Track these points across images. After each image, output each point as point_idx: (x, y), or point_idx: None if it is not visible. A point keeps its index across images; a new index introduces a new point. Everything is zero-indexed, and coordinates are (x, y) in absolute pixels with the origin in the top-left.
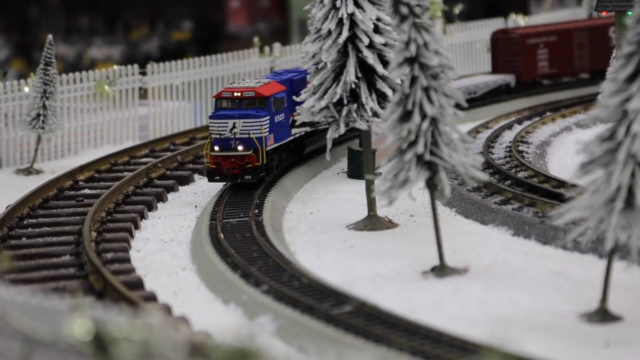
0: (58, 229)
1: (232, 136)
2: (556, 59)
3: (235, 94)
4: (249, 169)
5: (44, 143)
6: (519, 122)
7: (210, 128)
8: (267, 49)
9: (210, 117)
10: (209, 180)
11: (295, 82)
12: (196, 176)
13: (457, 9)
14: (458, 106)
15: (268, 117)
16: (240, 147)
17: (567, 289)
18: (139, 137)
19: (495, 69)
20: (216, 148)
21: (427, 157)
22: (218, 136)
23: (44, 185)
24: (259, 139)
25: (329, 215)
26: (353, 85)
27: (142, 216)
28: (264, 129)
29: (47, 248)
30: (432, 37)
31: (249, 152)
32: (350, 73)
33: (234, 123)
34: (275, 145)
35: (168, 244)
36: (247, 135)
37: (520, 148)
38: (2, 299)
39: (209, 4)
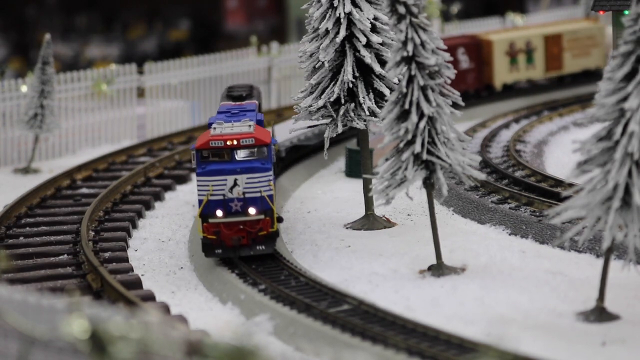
0: (56, 228)
1: (235, 196)
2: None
3: (229, 142)
4: (261, 237)
5: (41, 142)
6: (516, 120)
7: (199, 188)
8: (265, 48)
9: (199, 174)
10: (207, 256)
11: (261, 121)
12: (194, 175)
13: (455, 8)
14: (455, 105)
15: (272, 169)
16: (251, 210)
17: (564, 288)
18: (137, 136)
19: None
20: (219, 214)
21: (424, 156)
22: (214, 198)
23: (41, 185)
24: (271, 197)
25: (327, 214)
26: (350, 85)
27: (140, 215)
28: (272, 183)
29: (45, 247)
30: (429, 37)
31: (261, 216)
32: (348, 72)
33: (235, 180)
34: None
35: (166, 243)
36: (257, 194)
37: (518, 147)
38: (0, 298)
39: (206, 3)
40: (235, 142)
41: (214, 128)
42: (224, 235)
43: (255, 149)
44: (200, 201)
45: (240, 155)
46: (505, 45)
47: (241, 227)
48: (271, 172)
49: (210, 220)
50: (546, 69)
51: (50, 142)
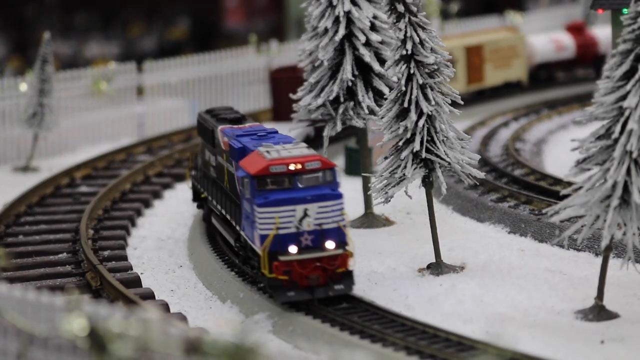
0: (55, 227)
1: (305, 229)
2: None
3: (293, 166)
4: (338, 275)
5: (40, 141)
6: (515, 119)
7: (262, 221)
8: (265, 47)
9: (261, 205)
10: (278, 300)
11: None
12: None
13: (455, 7)
14: (454, 104)
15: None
16: (329, 244)
17: (563, 287)
18: (136, 134)
19: (279, 116)
20: (292, 250)
21: (424, 154)
22: (284, 232)
23: (41, 183)
24: (345, 228)
25: None
26: (349, 83)
27: (139, 214)
28: (345, 212)
29: (44, 246)
30: (428, 35)
31: (340, 251)
32: (347, 71)
33: (306, 210)
34: None
35: (165, 241)
36: (334, 225)
37: (517, 146)
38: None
39: (206, 1)
40: (299, 166)
41: (267, 152)
42: (297, 274)
43: (321, 173)
44: (263, 236)
45: (304, 181)
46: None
47: (317, 264)
48: (343, 200)
49: (281, 258)
50: (468, 82)
51: (50, 140)
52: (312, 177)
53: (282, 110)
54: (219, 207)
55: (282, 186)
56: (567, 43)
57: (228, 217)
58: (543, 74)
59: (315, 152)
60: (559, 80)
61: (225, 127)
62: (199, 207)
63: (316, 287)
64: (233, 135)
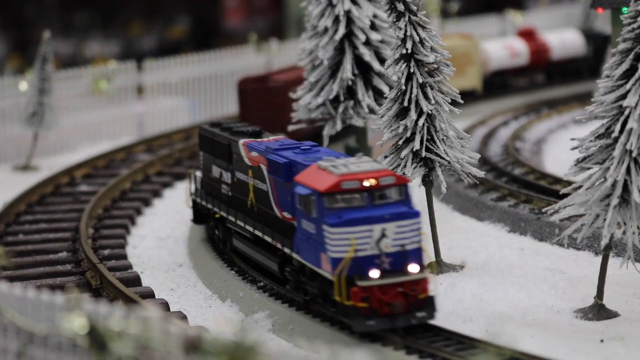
0: (55, 226)
1: (384, 251)
2: None
3: (366, 182)
4: (420, 301)
5: (40, 140)
6: (515, 118)
7: (335, 243)
8: (265, 46)
9: (334, 225)
10: (357, 329)
11: None
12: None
13: (455, 6)
14: (454, 103)
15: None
16: (413, 268)
17: (562, 286)
18: (136, 133)
19: None
20: (374, 274)
21: (423, 153)
22: (363, 254)
23: (41, 182)
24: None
25: None
26: (349, 82)
27: (139, 213)
28: (423, 232)
29: (44, 245)
30: (428, 34)
31: (422, 275)
32: (347, 70)
33: (383, 230)
34: None
35: (165, 240)
36: (415, 246)
37: (516, 145)
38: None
39: (206, 1)
40: (373, 182)
41: (333, 166)
42: (376, 301)
43: (394, 190)
44: (335, 260)
45: (378, 198)
46: None
47: (399, 289)
48: (421, 218)
49: (360, 284)
50: None
51: (50, 139)
52: (387, 193)
53: (250, 122)
54: (246, 227)
55: (353, 204)
56: (520, 49)
57: (266, 238)
58: (497, 82)
59: (387, 166)
60: (516, 88)
61: (249, 141)
62: (196, 222)
63: (398, 316)
64: (268, 150)
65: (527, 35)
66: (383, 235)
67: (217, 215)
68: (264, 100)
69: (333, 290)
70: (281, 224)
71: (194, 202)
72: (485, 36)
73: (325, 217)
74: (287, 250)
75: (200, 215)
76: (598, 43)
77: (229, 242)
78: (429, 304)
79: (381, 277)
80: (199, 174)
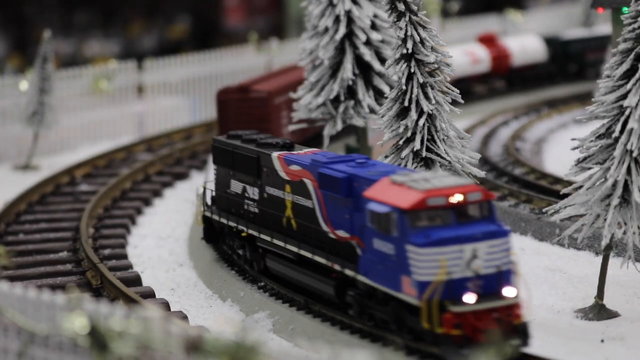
0: (55, 225)
1: (476, 273)
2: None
3: (454, 198)
4: (514, 328)
5: (41, 139)
6: (516, 118)
7: (423, 265)
8: (265, 45)
9: (422, 245)
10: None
11: None
12: (193, 172)
13: (456, 5)
14: (455, 103)
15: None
16: (509, 292)
17: (563, 286)
18: (137, 133)
19: None
20: (469, 299)
21: (424, 153)
22: (455, 277)
23: (41, 182)
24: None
25: None
26: (350, 82)
27: (140, 212)
28: (513, 252)
29: (45, 244)
30: (429, 34)
31: (516, 299)
32: (347, 70)
33: (474, 250)
34: None
35: (165, 240)
36: (509, 268)
37: (517, 144)
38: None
39: (206, 0)
40: (461, 198)
41: (414, 181)
42: (470, 328)
43: (480, 206)
44: (423, 284)
45: (465, 215)
46: None
47: (494, 315)
48: (511, 237)
49: (453, 309)
50: None
51: (50, 139)
52: (473, 210)
53: None
54: (288, 247)
55: (439, 222)
56: (482, 56)
57: (317, 259)
58: (459, 89)
59: (471, 181)
60: (478, 95)
61: (286, 154)
62: (208, 240)
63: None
64: (316, 163)
65: (488, 41)
66: (474, 256)
67: (243, 234)
68: (245, 112)
69: (410, 316)
70: (333, 243)
71: (206, 218)
72: None
73: (410, 236)
74: (349, 272)
75: (213, 232)
76: (556, 48)
77: (259, 263)
78: (523, 331)
79: (477, 302)
80: (210, 187)
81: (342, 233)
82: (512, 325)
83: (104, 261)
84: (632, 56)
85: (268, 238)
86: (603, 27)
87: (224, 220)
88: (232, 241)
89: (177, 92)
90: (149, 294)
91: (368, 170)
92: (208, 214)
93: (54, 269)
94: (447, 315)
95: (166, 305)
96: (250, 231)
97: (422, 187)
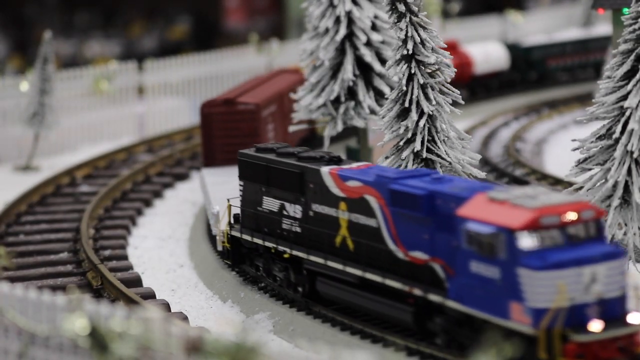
0: (56, 226)
1: (599, 299)
2: (282, 137)
3: (567, 216)
4: (637, 358)
5: (41, 140)
6: (516, 118)
7: (539, 290)
8: (267, 46)
9: (539, 269)
10: None
11: None
12: (194, 173)
13: (456, 6)
14: (455, 103)
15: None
16: (633, 318)
17: None
18: (137, 134)
19: (211, 160)
20: (594, 327)
21: (424, 154)
22: (577, 302)
23: (42, 183)
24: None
25: None
26: (350, 83)
27: (140, 213)
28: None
29: (45, 245)
30: (429, 35)
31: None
32: (348, 71)
33: (593, 273)
34: None
35: (166, 241)
36: (624, 291)
37: (517, 145)
38: (1, 295)
39: (206, 1)
40: (574, 217)
41: (519, 199)
42: (594, 359)
43: (592, 225)
44: (538, 311)
45: (576, 235)
46: None
47: (618, 344)
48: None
49: (578, 339)
50: None
51: (51, 140)
52: (586, 229)
53: (215, 153)
54: (348, 270)
55: (550, 243)
56: None
57: (389, 283)
58: None
59: (583, 197)
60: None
61: (341, 169)
62: (235, 263)
63: None
64: (384, 179)
65: (450, 48)
66: (593, 279)
67: (285, 256)
68: (231, 126)
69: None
70: (405, 265)
71: (233, 239)
72: (486, 37)
73: (522, 259)
74: (434, 297)
75: (240, 254)
76: (518, 55)
77: (304, 286)
78: None
79: (604, 329)
80: (233, 204)
81: (418, 254)
82: (635, 356)
83: (104, 262)
84: (632, 57)
85: (320, 260)
86: (565, 33)
87: (258, 241)
88: (267, 263)
89: (177, 93)
90: (150, 295)
91: (450, 186)
92: (236, 233)
93: (55, 270)
94: (570, 346)
95: (166, 306)
96: (296, 252)
97: (531, 204)
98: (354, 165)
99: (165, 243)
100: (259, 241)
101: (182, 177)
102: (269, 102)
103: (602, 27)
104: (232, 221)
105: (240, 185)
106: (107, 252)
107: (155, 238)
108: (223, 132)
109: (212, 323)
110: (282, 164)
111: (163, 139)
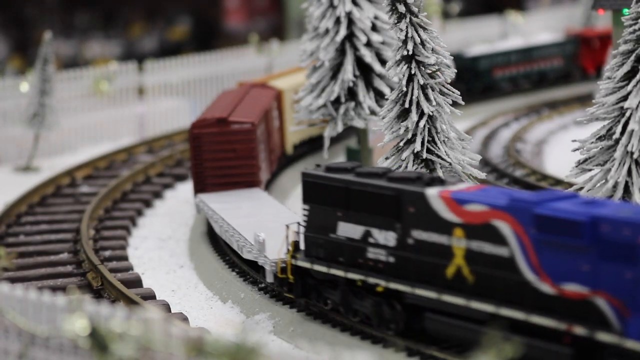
0: (56, 227)
1: None
2: (267, 158)
3: None
4: None
5: (41, 141)
6: (516, 119)
7: None
8: (267, 47)
9: None
10: None
11: None
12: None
13: (456, 7)
14: (455, 104)
15: None
16: None
17: None
18: (137, 134)
19: (201, 185)
20: None
21: (424, 155)
22: None
23: (42, 183)
24: None
25: None
26: (351, 84)
27: (140, 214)
28: None
29: (45, 246)
30: (429, 35)
31: None
32: (348, 71)
33: None
34: None
35: (166, 241)
36: None
37: (517, 146)
38: (1, 295)
39: (206, 1)
40: None
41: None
42: None
43: None
44: None
45: None
46: (292, 94)
47: None
48: None
49: None
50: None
51: (51, 140)
52: None
53: (205, 178)
54: (473, 305)
55: None
56: None
57: (536, 320)
58: None
59: None
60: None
61: (454, 192)
62: (299, 295)
63: None
64: (524, 202)
65: None
66: None
67: (379, 289)
68: (224, 148)
69: None
70: (551, 299)
71: (299, 269)
72: (486, 37)
73: None
74: (607, 337)
75: (306, 285)
76: (462, 65)
77: (398, 323)
78: None
79: None
80: (293, 229)
81: (572, 287)
82: None
83: (104, 263)
84: (632, 58)
85: (432, 294)
86: (508, 41)
87: (337, 272)
88: (346, 297)
89: (177, 94)
90: (150, 296)
91: (615, 211)
92: (305, 264)
93: (55, 271)
94: None
95: (167, 306)
96: (395, 286)
97: None
98: (462, 186)
99: (165, 244)
100: (339, 273)
101: (182, 177)
102: (260, 121)
103: (545, 35)
104: (292, 249)
105: (305, 209)
106: (107, 253)
107: (155, 239)
108: (215, 154)
109: (212, 324)
110: (368, 185)
111: (163, 140)
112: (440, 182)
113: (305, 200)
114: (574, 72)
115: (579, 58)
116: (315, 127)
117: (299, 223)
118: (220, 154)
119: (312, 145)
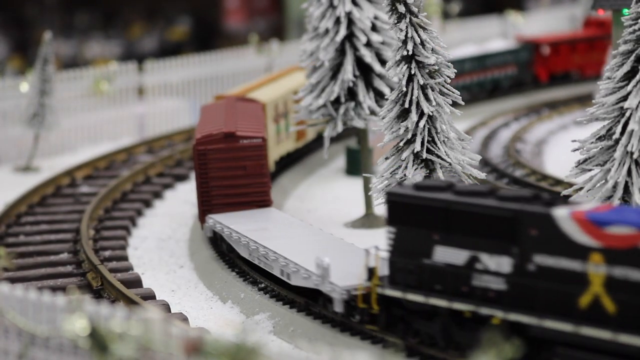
0: (56, 227)
1: None
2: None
3: None
4: None
5: (41, 141)
6: (516, 119)
7: None
8: (267, 47)
9: None
10: None
11: None
12: (193, 174)
13: (456, 7)
14: (455, 104)
15: None
16: None
17: None
18: (137, 134)
19: (209, 208)
20: None
21: (424, 155)
22: None
23: (42, 183)
24: None
25: (327, 213)
26: (350, 84)
27: (140, 214)
28: None
29: (45, 246)
30: (429, 36)
31: None
32: (348, 71)
33: None
34: None
35: (166, 241)
36: None
37: (517, 146)
38: (1, 295)
39: (206, 2)
40: None
41: None
42: None
43: None
44: None
45: None
46: (273, 107)
47: None
48: None
49: None
50: (297, 137)
51: (51, 140)
52: None
53: (211, 198)
54: (621, 339)
55: None
56: None
57: None
58: None
59: None
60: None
61: (588, 212)
62: (385, 325)
63: None
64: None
65: None
66: None
67: (494, 321)
68: (233, 165)
69: None
70: None
71: (384, 298)
72: (486, 37)
73: None
74: None
75: (392, 315)
76: None
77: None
78: None
79: None
80: (374, 253)
81: None
82: None
83: (104, 263)
84: (632, 58)
85: (567, 327)
86: (464, 49)
87: (440, 303)
88: (447, 330)
89: (177, 94)
90: (150, 296)
91: None
92: (395, 293)
93: (55, 271)
94: None
95: (167, 306)
96: (516, 317)
97: None
98: (590, 205)
99: (165, 244)
100: (442, 303)
101: (182, 177)
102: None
103: (498, 43)
104: (376, 276)
105: (391, 232)
106: (107, 253)
107: (155, 239)
108: (223, 172)
109: (212, 324)
110: (475, 206)
111: (163, 140)
112: (563, 201)
113: (391, 222)
114: (527, 80)
115: (532, 65)
116: (291, 142)
117: (377, 247)
118: (228, 172)
119: (289, 158)
